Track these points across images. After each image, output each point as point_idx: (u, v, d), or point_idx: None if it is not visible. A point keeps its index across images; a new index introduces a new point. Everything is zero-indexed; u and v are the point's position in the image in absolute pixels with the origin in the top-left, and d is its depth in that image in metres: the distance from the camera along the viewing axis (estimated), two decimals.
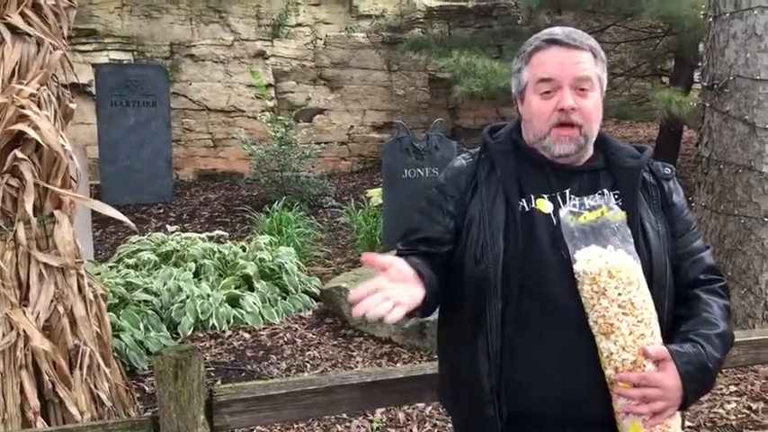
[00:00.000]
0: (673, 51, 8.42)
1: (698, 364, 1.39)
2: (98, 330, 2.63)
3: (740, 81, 3.85)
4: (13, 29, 2.36)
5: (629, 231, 1.44)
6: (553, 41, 1.50)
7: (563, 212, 1.44)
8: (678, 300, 1.51)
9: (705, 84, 4.07)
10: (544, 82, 1.49)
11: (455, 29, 9.90)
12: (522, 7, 8.49)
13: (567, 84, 1.47)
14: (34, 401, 2.33)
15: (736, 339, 2.08)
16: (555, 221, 1.47)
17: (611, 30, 8.98)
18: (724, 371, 3.56)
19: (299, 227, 6.07)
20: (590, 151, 1.57)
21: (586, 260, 1.39)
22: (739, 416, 3.32)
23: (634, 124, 10.57)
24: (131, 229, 6.40)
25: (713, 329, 1.44)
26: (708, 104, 4.03)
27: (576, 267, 1.40)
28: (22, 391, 2.33)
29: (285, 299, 4.77)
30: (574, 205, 1.49)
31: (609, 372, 1.39)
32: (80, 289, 2.53)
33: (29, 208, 2.32)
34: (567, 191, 1.52)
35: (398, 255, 1.54)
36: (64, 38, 2.61)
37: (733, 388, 3.56)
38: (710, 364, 1.40)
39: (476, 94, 7.08)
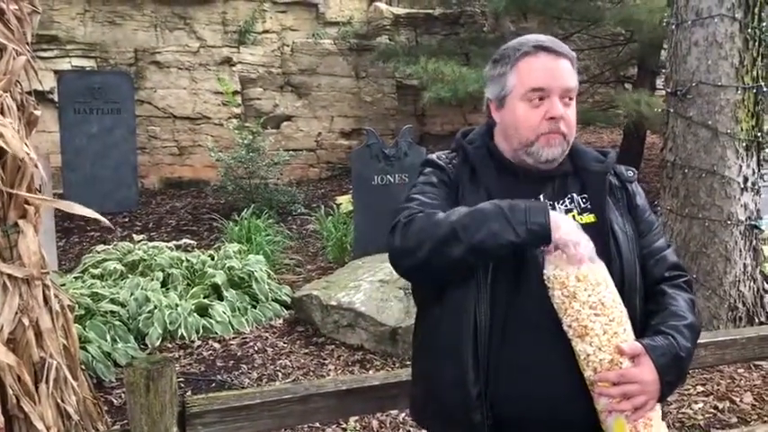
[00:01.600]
0: (635, 58, 8.59)
1: (671, 355, 1.43)
2: (65, 342, 2.56)
3: (702, 87, 3.94)
4: None
5: (583, 232, 1.45)
6: (541, 48, 1.51)
7: None
8: (646, 297, 1.55)
9: (669, 90, 4.16)
10: (535, 91, 1.49)
11: (422, 36, 9.96)
12: (489, 12, 8.58)
13: (556, 93, 1.49)
14: None
15: (703, 340, 2.14)
16: None
17: (575, 37, 9.12)
18: (691, 371, 3.62)
19: (268, 235, 6.02)
20: None
21: (554, 265, 1.40)
22: (706, 415, 3.38)
23: (598, 130, 10.75)
24: (97, 238, 6.29)
25: (681, 321, 1.49)
26: (672, 110, 4.11)
27: (546, 273, 1.41)
28: None
29: (255, 307, 4.72)
30: None
31: (588, 373, 1.41)
32: (46, 300, 2.46)
33: None
34: (541, 196, 1.54)
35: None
36: (27, 43, 2.55)
37: (700, 388, 3.63)
38: (683, 353, 1.45)
39: (444, 99, 7.13)
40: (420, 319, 1.62)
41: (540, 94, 1.49)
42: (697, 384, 3.66)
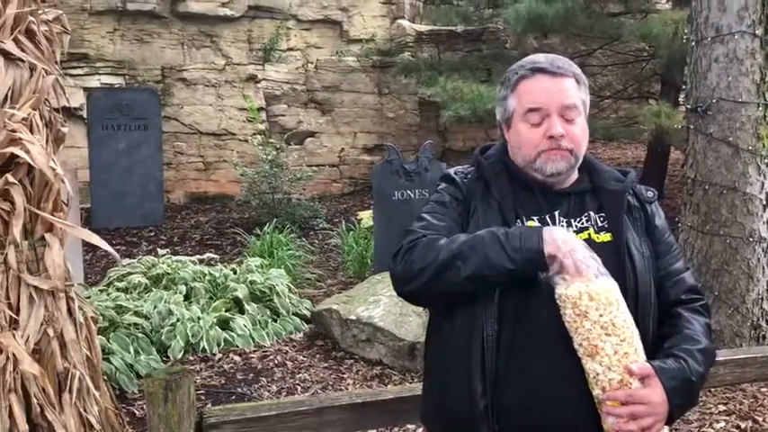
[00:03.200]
0: (659, 74, 8.55)
1: (681, 379, 1.43)
2: (88, 353, 2.62)
3: (723, 104, 3.92)
4: (7, 54, 2.39)
5: (594, 253, 1.46)
6: (538, 70, 1.55)
7: None
8: (661, 319, 1.55)
9: (689, 106, 4.14)
10: (533, 111, 1.53)
11: (445, 53, 10.01)
12: (510, 31, 8.61)
13: (554, 112, 1.51)
14: (23, 426, 2.31)
15: (722, 358, 2.13)
16: None
17: (598, 53, 9.12)
18: (713, 390, 3.58)
19: (290, 249, 6.08)
20: (575, 173, 1.61)
21: (566, 284, 1.42)
22: None
23: (622, 145, 10.69)
24: (122, 252, 6.41)
25: (695, 345, 1.49)
26: (692, 126, 4.09)
27: (557, 292, 1.43)
28: (11, 414, 2.32)
29: (276, 321, 4.77)
30: (562, 227, 1.53)
31: (597, 392, 1.42)
32: (70, 312, 2.53)
33: (18, 231, 2.33)
34: (557, 213, 1.56)
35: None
36: (56, 63, 2.64)
37: (722, 407, 3.58)
38: (694, 377, 1.45)
39: (463, 117, 7.16)
40: (431, 333, 1.65)
41: (538, 114, 1.53)
42: (719, 403, 3.61)
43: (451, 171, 1.67)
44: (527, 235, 1.43)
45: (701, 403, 3.58)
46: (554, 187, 1.57)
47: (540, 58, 1.58)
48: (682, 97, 7.55)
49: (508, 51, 9.32)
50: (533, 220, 1.53)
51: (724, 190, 3.96)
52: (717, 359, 2.15)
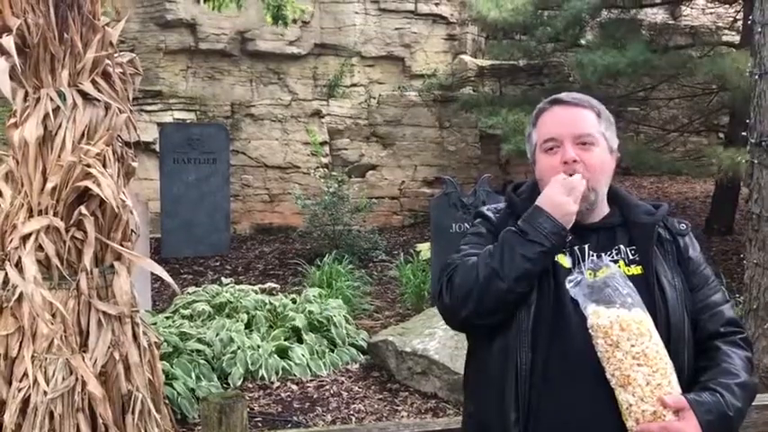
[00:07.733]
0: (727, 107, 8.34)
1: (718, 413, 1.41)
2: (150, 377, 2.74)
3: None
4: (85, 95, 2.58)
5: (631, 283, 1.48)
6: (556, 101, 1.63)
7: (573, 272, 1.51)
8: (698, 352, 1.54)
9: (752, 140, 4.04)
10: (547, 141, 1.59)
11: (506, 87, 10.05)
12: (579, 83, 8.52)
13: (567, 139, 1.57)
14: None
15: None
16: None
17: (662, 86, 8.97)
18: None
19: (348, 280, 6.17)
20: (605, 208, 1.63)
21: (597, 314, 1.44)
22: None
23: (690, 180, 10.42)
24: (189, 281, 6.63)
25: (733, 379, 1.47)
26: (756, 161, 3.99)
27: (589, 322, 1.45)
28: None
29: (333, 351, 4.84)
30: (591, 260, 1.56)
31: (630, 423, 1.42)
32: (135, 337, 2.66)
33: (89, 259, 2.49)
34: (586, 246, 1.59)
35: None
36: (129, 101, 2.82)
37: None
38: (731, 412, 1.43)
39: (524, 151, 7.13)
40: (469, 362, 1.69)
41: (552, 142, 1.59)
42: None
43: (484, 209, 1.73)
44: (534, 217, 1.52)
45: None
46: (583, 221, 1.60)
47: (561, 94, 1.65)
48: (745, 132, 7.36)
49: (570, 85, 9.27)
50: (563, 253, 1.56)
51: None
52: None
